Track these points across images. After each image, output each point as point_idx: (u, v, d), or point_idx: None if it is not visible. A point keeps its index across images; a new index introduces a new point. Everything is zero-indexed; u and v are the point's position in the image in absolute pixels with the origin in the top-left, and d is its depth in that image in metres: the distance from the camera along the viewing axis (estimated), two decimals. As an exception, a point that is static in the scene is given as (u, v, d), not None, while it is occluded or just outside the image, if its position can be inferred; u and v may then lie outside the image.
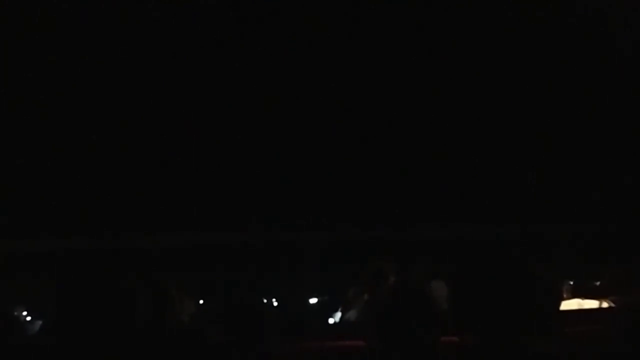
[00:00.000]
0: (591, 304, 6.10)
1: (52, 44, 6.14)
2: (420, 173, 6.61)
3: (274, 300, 7.58)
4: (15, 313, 6.22)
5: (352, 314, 6.68)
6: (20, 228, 6.47)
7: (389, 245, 6.67)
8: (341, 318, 7.09)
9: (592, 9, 5.88)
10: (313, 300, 7.64)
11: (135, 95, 6.42)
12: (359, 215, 6.74)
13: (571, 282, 6.48)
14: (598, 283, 6.65)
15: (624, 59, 6.11)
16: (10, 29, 6.04)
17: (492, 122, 6.50)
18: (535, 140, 6.51)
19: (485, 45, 6.21)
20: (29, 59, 6.20)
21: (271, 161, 6.64)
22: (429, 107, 6.45)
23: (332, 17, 6.12)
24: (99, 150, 6.52)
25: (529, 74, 6.36)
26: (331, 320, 7.40)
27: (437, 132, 6.50)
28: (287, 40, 6.19)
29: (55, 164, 6.49)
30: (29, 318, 6.47)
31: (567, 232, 6.69)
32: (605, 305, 6.04)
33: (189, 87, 6.43)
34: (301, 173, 6.66)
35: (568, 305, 6.00)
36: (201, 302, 6.87)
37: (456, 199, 6.56)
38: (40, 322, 5.78)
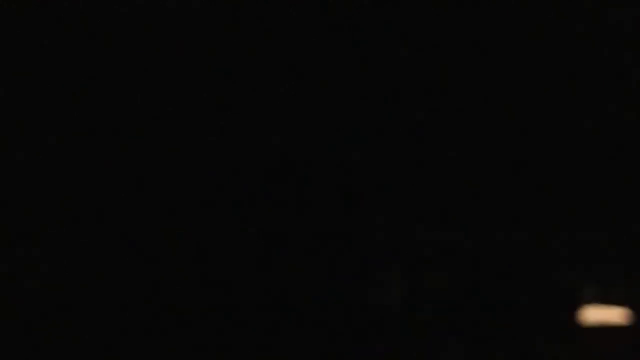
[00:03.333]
0: (609, 313, 6.14)
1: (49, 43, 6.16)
2: (432, 176, 6.64)
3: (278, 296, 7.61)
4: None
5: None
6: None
7: (398, 247, 6.70)
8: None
9: (592, 8, 5.94)
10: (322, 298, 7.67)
11: (134, 93, 6.43)
12: (368, 215, 6.77)
13: (590, 290, 6.51)
14: (617, 292, 6.67)
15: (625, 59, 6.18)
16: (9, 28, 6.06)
17: (496, 126, 6.54)
18: (547, 145, 6.54)
19: (485, 47, 6.25)
20: (28, 58, 6.21)
21: (278, 159, 6.66)
22: (431, 111, 6.49)
23: (331, 17, 6.16)
24: (102, 144, 6.53)
25: (527, 77, 6.40)
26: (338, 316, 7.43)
27: (443, 135, 6.53)
28: (287, 40, 6.23)
29: (62, 158, 6.49)
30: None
31: (588, 239, 6.71)
32: (622, 314, 6.09)
33: (188, 85, 6.44)
34: (306, 170, 6.69)
35: (587, 315, 6.03)
36: (206, 294, 6.90)
37: (470, 203, 6.57)
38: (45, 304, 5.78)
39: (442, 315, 4.43)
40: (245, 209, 6.55)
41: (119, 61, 6.25)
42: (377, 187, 6.56)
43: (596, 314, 6.06)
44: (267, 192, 6.63)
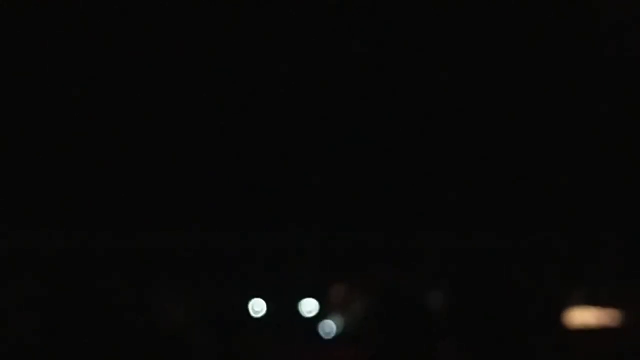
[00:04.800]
0: (600, 316, 6.08)
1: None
2: (421, 179, 6.59)
3: (265, 305, 7.53)
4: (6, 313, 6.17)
5: (346, 321, 6.66)
6: (15, 225, 6.44)
7: (386, 252, 6.65)
8: (336, 326, 7.07)
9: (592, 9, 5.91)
10: (308, 306, 7.60)
11: (132, 94, 6.43)
12: (357, 220, 6.72)
13: (580, 294, 6.46)
14: (608, 295, 6.62)
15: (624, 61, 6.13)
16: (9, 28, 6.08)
17: (493, 128, 6.50)
18: (542, 147, 6.50)
19: (483, 54, 6.22)
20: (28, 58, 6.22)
21: (267, 163, 6.63)
22: (429, 114, 6.46)
23: (329, 17, 6.15)
24: (93, 148, 6.51)
25: (526, 80, 6.37)
26: (325, 328, 7.38)
27: (438, 138, 6.49)
28: (285, 40, 6.22)
29: (51, 161, 6.48)
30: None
31: (577, 243, 6.66)
32: (614, 317, 6.03)
33: (181, 86, 6.44)
34: (298, 175, 6.64)
35: (578, 318, 5.98)
36: (190, 307, 6.84)
37: (459, 206, 6.52)
38: (29, 322, 5.71)
39: (434, 317, 4.35)
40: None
41: (119, 61, 6.26)
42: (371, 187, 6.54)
43: (587, 316, 5.99)
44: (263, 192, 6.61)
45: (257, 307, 7.51)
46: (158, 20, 6.19)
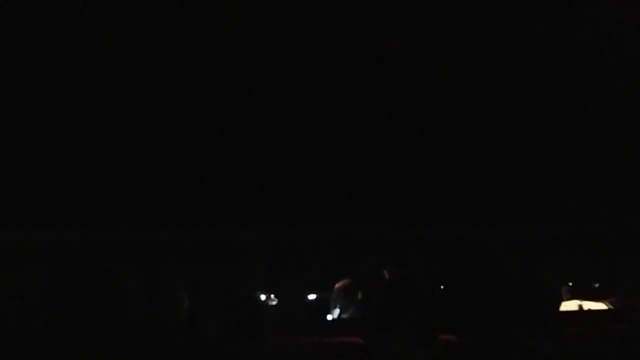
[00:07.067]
0: (590, 305, 6.15)
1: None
2: (419, 171, 6.62)
3: (272, 295, 7.59)
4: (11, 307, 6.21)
5: (349, 311, 6.72)
6: (16, 219, 6.47)
7: (386, 242, 6.69)
8: (339, 315, 7.13)
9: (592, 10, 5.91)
10: (312, 297, 7.66)
11: (132, 92, 6.43)
12: (358, 212, 6.76)
13: (570, 284, 6.52)
14: (597, 285, 6.69)
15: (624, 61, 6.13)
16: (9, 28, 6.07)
17: (489, 122, 6.52)
18: (531, 139, 6.52)
19: (482, 49, 6.22)
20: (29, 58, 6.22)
21: (270, 157, 6.65)
22: (427, 109, 6.47)
23: (328, 17, 6.15)
24: (98, 142, 6.53)
25: (525, 76, 6.38)
26: (329, 317, 7.44)
27: (435, 132, 6.51)
28: (285, 40, 6.22)
29: (54, 155, 6.49)
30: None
31: (567, 232, 6.71)
32: (604, 307, 6.10)
33: (182, 84, 6.44)
34: (300, 169, 6.67)
35: (567, 306, 6.05)
36: (198, 296, 6.88)
37: (454, 198, 6.56)
38: (34, 315, 5.74)
39: (426, 307, 4.39)
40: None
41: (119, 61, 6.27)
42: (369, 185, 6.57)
43: (577, 305, 6.06)
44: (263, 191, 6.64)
45: (262, 298, 7.59)
46: (158, 20, 6.19)
